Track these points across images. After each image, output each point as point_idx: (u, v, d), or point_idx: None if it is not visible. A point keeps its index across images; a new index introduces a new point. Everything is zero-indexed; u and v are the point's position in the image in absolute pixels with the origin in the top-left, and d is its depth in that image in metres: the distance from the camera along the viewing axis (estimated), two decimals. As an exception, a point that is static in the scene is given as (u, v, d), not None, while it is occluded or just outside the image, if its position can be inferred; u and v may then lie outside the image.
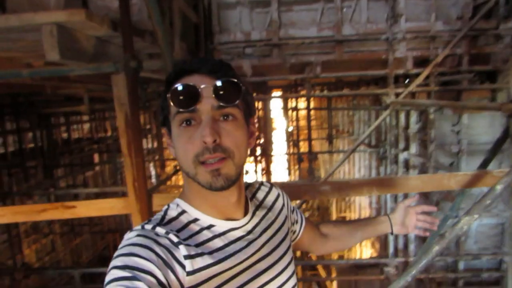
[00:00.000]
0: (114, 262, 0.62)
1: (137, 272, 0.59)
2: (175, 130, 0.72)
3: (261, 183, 0.97)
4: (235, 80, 0.70)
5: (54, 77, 1.73)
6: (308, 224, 1.08)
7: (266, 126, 7.69)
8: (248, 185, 0.93)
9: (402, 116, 4.81)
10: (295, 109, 7.39)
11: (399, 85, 4.27)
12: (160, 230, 0.69)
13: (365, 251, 7.44)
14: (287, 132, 8.43)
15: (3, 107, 5.68)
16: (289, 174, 8.02)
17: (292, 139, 7.50)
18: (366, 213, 7.10)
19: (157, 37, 1.64)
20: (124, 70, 1.74)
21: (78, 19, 1.56)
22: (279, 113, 12.16)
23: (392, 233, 1.22)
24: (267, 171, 7.23)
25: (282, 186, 1.14)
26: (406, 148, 4.85)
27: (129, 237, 0.67)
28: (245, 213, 0.82)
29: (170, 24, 2.61)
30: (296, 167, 6.71)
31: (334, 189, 1.93)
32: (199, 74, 0.71)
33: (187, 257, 0.67)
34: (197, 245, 0.71)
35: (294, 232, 1.03)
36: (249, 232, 0.80)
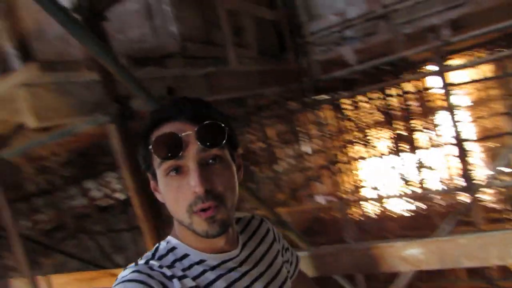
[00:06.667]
0: None
1: None
2: (162, 179, 0.70)
3: (252, 216, 0.94)
4: (217, 122, 0.68)
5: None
6: (300, 273, 1.04)
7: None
8: (239, 219, 0.90)
9: None
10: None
11: None
12: (154, 263, 0.71)
13: None
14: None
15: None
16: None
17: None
18: None
19: (112, 72, 1.22)
20: (111, 119, 1.40)
21: (36, 74, 1.29)
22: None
23: None
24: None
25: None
26: None
27: (124, 275, 0.67)
28: (235, 245, 0.80)
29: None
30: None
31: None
32: (179, 121, 0.69)
33: None
34: (193, 279, 0.71)
35: (288, 271, 0.96)
36: (242, 263, 0.79)
